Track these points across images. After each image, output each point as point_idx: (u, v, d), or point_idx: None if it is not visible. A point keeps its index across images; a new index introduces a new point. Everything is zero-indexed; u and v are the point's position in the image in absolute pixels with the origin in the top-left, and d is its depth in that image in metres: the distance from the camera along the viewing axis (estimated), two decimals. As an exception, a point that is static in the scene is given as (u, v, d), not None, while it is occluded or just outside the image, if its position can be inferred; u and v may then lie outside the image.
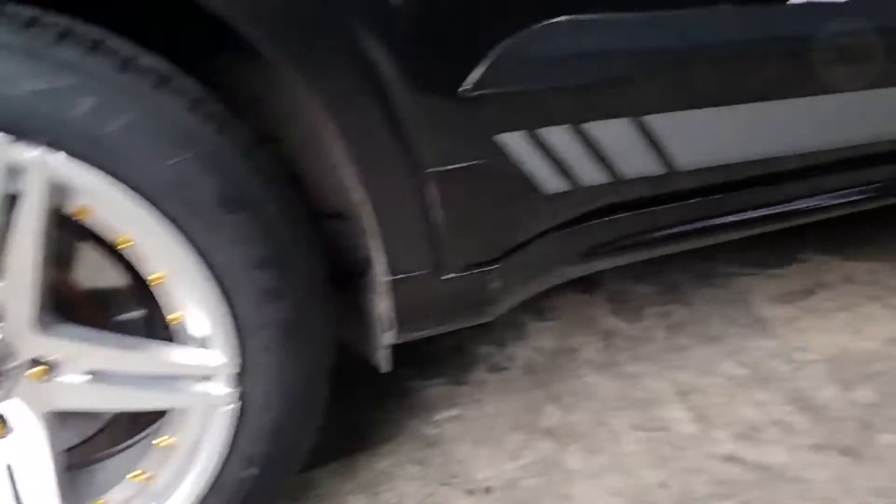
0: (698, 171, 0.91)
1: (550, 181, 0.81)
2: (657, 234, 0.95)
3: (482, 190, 0.78)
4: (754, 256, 1.54)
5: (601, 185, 0.84)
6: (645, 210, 0.92)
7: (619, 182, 0.85)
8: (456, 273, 0.81)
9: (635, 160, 0.84)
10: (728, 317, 1.34)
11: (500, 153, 0.76)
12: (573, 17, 0.75)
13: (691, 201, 0.94)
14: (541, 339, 1.32)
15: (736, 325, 1.31)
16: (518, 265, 0.86)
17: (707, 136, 0.87)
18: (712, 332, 1.29)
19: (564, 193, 0.82)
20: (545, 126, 0.77)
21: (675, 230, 0.97)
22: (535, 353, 1.27)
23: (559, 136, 0.79)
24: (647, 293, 1.45)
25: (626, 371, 1.20)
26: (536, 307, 1.42)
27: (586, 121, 0.79)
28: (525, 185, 0.79)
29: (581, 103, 0.79)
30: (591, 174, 0.83)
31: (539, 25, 0.74)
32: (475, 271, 0.82)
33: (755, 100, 0.86)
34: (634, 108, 0.81)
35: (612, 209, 0.89)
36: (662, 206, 0.92)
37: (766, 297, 1.40)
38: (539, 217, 0.84)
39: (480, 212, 0.79)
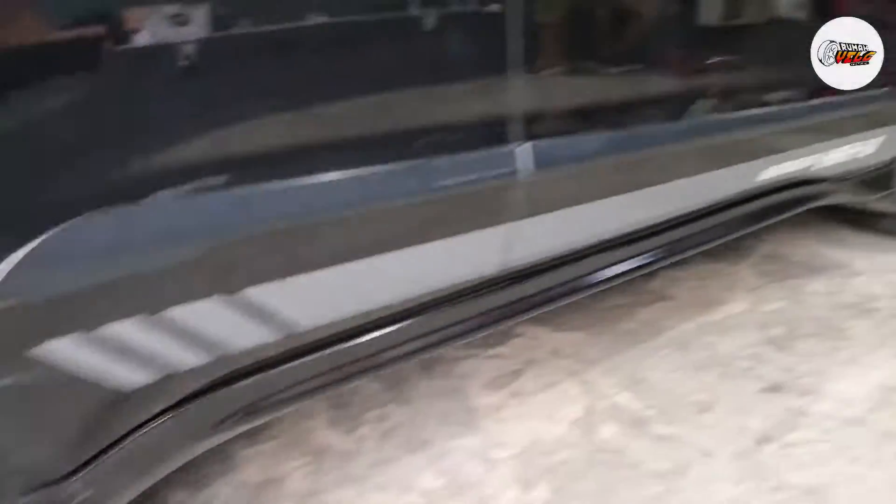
0: (333, 323, 0.88)
1: (127, 378, 0.72)
2: (301, 387, 0.91)
3: (28, 406, 0.67)
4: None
5: (204, 366, 0.77)
6: (277, 369, 0.87)
7: (226, 357, 0.79)
8: (24, 496, 0.69)
9: (241, 333, 0.79)
10: (443, 412, 1.35)
11: (41, 365, 0.66)
12: (120, 206, 0.67)
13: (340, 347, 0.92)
14: (248, 469, 1.23)
15: (447, 423, 1.32)
16: (115, 464, 0.75)
17: (325, 295, 0.85)
18: (424, 435, 1.29)
19: (153, 384, 0.74)
20: (102, 325, 0.68)
21: (325, 378, 0.94)
22: (236, 491, 1.18)
23: (127, 331, 0.70)
24: (371, 392, 1.42)
25: (327, 501, 1.16)
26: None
27: (162, 309, 0.72)
28: (90, 388, 0.70)
29: (150, 292, 0.71)
30: (185, 359, 0.76)
31: (79, 219, 0.65)
32: (50, 489, 0.71)
33: (361, 256, 0.85)
34: (222, 285, 0.75)
35: (234, 378, 0.83)
36: (300, 361, 0.88)
37: (481, 382, 1.44)
38: (123, 414, 0.75)
39: (33, 429, 0.68)
